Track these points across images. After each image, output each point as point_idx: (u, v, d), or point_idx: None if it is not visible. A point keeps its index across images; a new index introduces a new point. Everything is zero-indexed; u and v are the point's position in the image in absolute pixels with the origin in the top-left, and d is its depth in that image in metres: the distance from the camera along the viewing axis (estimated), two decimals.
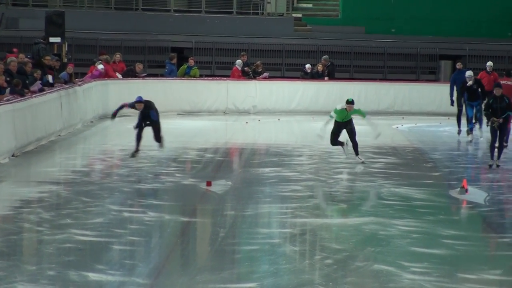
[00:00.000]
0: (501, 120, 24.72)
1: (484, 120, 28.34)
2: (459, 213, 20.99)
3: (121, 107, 24.42)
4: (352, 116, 22.65)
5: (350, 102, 21.96)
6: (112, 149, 30.32)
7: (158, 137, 24.22)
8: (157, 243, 16.92)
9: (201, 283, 13.74)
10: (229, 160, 28.37)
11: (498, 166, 25.10)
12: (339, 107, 22.03)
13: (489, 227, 19.79)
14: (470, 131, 31.84)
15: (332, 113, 22.62)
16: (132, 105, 23.85)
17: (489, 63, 33.91)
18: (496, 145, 25.50)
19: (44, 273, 13.90)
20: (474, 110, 32.00)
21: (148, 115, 23.74)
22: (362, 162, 22.79)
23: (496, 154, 25.54)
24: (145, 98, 24.44)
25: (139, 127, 23.95)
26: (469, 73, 31.32)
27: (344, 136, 22.96)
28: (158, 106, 36.32)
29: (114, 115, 24.77)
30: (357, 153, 22.82)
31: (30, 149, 26.55)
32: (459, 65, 33.84)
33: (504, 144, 25.61)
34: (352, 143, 22.81)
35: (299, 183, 22.99)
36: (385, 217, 18.80)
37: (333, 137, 22.71)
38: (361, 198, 21.03)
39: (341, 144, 23.07)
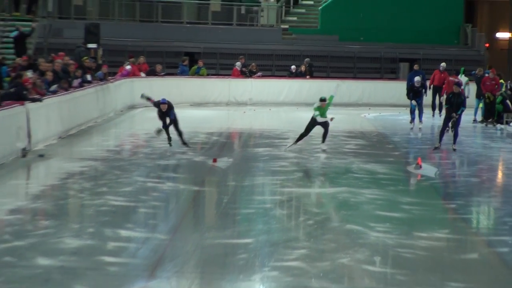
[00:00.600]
0: (457, 116, 24.41)
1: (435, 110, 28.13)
2: (414, 184, 20.85)
3: (149, 99, 23.61)
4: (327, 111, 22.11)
5: (322, 100, 21.98)
6: (138, 133, 30.03)
7: (179, 131, 23.13)
8: (174, 207, 16.98)
9: (209, 238, 13.72)
10: (230, 142, 28.08)
11: (454, 150, 24.76)
12: (315, 105, 21.94)
13: (438, 195, 19.64)
14: (412, 120, 31.54)
15: (316, 112, 22.38)
16: (157, 105, 22.91)
17: (443, 64, 33.48)
18: (452, 132, 25.13)
19: (85, 230, 13.94)
20: (416, 105, 31.60)
21: (168, 114, 22.88)
22: (324, 150, 22.40)
23: (446, 139, 24.97)
24: (163, 98, 23.30)
25: (163, 124, 23.13)
26: (417, 78, 30.88)
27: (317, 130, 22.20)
28: (173, 99, 35.95)
29: (146, 97, 23.70)
30: (323, 140, 22.67)
31: (73, 132, 26.38)
32: (416, 67, 33.37)
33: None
34: (324, 129, 22.47)
35: (286, 160, 22.84)
36: (355, 187, 18.61)
37: (305, 132, 22.43)
38: (336, 172, 20.76)
39: (299, 139, 22.93)
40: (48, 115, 23.63)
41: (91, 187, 18.22)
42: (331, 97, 22.56)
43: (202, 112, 35.72)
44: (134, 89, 34.94)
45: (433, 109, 33.95)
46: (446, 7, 45.92)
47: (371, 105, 38.62)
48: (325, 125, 22.32)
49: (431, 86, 33.72)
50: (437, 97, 34.17)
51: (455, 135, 24.92)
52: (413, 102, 31.12)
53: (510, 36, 45.79)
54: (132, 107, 34.48)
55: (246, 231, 14.76)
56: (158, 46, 41.74)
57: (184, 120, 31.91)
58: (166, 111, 22.49)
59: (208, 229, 14.93)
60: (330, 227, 15.25)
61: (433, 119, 33.24)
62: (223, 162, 22.16)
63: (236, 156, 24.04)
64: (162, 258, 12.46)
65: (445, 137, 24.73)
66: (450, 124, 24.82)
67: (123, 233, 13.95)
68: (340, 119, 32.94)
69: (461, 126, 26.65)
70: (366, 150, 25.19)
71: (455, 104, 24.66)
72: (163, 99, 22.61)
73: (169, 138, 22.97)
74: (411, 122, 31.17)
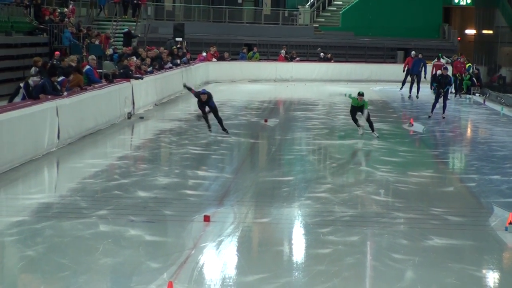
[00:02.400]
0: (444, 91, 23.64)
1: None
2: (408, 137, 20.71)
3: (191, 89, 19.25)
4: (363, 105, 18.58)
5: (360, 95, 18.17)
6: (175, 117, 28.67)
7: (219, 118, 18.44)
8: (236, 154, 17.01)
9: (262, 177, 13.82)
10: (277, 107, 27.43)
11: (443, 117, 23.97)
12: (353, 95, 18.39)
13: (425, 145, 19.68)
14: (409, 92, 31.12)
15: (347, 95, 19.05)
16: (197, 95, 18.39)
17: (413, 52, 32.48)
18: (441, 105, 24.28)
19: (173, 171, 14.03)
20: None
21: (208, 103, 18.29)
22: (377, 137, 18.36)
23: (440, 110, 24.27)
24: (204, 88, 19.89)
25: (203, 112, 18.58)
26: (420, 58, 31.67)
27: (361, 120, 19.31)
28: (236, 77, 37.34)
29: (188, 87, 19.51)
30: (372, 130, 18.55)
31: (164, 101, 25.59)
32: (413, 54, 33.11)
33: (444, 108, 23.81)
34: (368, 122, 18.62)
35: (317, 120, 22.71)
36: (366, 140, 18.56)
37: (351, 115, 18.78)
38: (352, 129, 20.36)
39: (357, 125, 18.88)
40: (146, 88, 23.69)
41: (177, 140, 18.30)
42: (366, 104, 18.45)
43: (257, 86, 35.26)
44: (209, 70, 35.70)
45: (403, 84, 33.25)
46: (430, 11, 45.50)
47: (378, 81, 38.13)
48: (361, 112, 18.65)
49: (405, 69, 32.92)
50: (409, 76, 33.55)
51: (444, 107, 24.10)
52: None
53: (475, 32, 45.27)
54: (207, 82, 34.02)
55: (288, 171, 14.77)
56: (226, 39, 41.38)
57: (244, 92, 32.80)
58: (206, 101, 18.22)
59: (261, 170, 14.98)
60: (348, 168, 15.28)
61: (400, 91, 33.13)
62: (272, 122, 22.05)
63: (281, 117, 23.90)
64: (228, 191, 12.46)
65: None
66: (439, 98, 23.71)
67: (200, 173, 13.98)
68: (355, 91, 33.11)
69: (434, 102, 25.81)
70: (373, 113, 23.87)
71: (443, 83, 23.75)
72: (204, 90, 18.66)
73: (209, 126, 18.57)
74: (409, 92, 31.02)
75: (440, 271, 8.31)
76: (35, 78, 15.73)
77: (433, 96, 24.83)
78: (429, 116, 23.68)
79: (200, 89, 19.05)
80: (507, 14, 39.75)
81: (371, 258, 8.79)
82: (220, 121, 18.02)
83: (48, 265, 8.17)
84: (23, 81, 15.95)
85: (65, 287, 7.57)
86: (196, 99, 18.35)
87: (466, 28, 48.64)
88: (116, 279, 7.96)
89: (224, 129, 18.06)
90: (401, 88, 31.99)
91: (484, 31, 42.17)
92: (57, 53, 23.05)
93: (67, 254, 8.54)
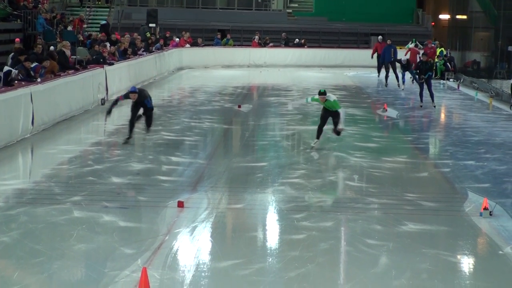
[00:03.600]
0: (425, 77, 23.26)
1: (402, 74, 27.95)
2: (382, 123, 20.63)
3: (116, 101, 15.33)
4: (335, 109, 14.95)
5: (322, 93, 14.57)
6: (184, 87, 29.23)
7: (149, 123, 15.43)
8: (210, 140, 17.07)
9: (235, 163, 13.91)
10: (251, 93, 27.58)
11: (434, 106, 23.61)
12: (316, 97, 14.93)
13: (399, 130, 19.76)
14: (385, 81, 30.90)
15: (309, 99, 15.69)
16: (126, 96, 15.01)
17: (380, 37, 32.53)
18: (428, 93, 23.57)
19: (146, 157, 14.12)
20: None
21: (142, 103, 15.07)
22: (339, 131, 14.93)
23: (430, 99, 23.20)
24: (133, 86, 16.90)
25: (133, 115, 15.12)
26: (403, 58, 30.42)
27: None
28: (210, 63, 37.29)
29: (109, 112, 15.51)
30: (338, 133, 15.09)
31: (138, 86, 25.51)
32: (380, 39, 33.15)
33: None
34: (336, 130, 15.09)
35: (296, 107, 21.91)
36: None
37: (321, 122, 15.16)
38: (351, 120, 19.62)
39: (318, 136, 15.21)
40: (120, 74, 23.57)
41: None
42: (337, 103, 14.81)
43: (230, 72, 35.30)
44: (182, 56, 35.82)
45: (378, 71, 33.32)
46: None
47: (351, 67, 38.36)
48: (335, 120, 14.94)
49: (375, 55, 33.06)
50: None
51: (432, 95, 23.81)
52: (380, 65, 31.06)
53: (449, 17, 45.52)
54: (180, 68, 34.12)
55: (262, 157, 14.87)
56: (199, 25, 41.65)
57: (217, 77, 32.79)
58: (138, 101, 14.98)
59: (235, 156, 15.06)
60: (322, 154, 15.29)
61: (378, 78, 32.79)
62: (245, 107, 22.09)
63: (255, 103, 23.99)
64: (201, 177, 12.53)
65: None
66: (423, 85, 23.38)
67: (173, 159, 14.06)
68: (329, 77, 34.09)
69: (409, 89, 27.08)
70: (347, 98, 24.55)
71: (424, 70, 23.26)
72: (133, 87, 15.44)
73: (130, 136, 15.01)
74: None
75: (414, 256, 8.40)
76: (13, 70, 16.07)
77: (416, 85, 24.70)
78: (421, 106, 23.71)
79: (129, 88, 15.75)
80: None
81: (345, 243, 8.86)
82: (149, 124, 15.30)
83: (22, 251, 8.28)
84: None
85: (39, 273, 7.66)
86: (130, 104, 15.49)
87: (440, 13, 49.08)
88: (91, 265, 8.07)
89: (148, 129, 15.39)
90: (378, 76, 32.16)
91: (458, 16, 42.33)
92: (17, 40, 23.31)
93: (41, 240, 8.62)
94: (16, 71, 15.91)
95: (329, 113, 14.71)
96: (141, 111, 14.97)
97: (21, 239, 8.69)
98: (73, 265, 8.02)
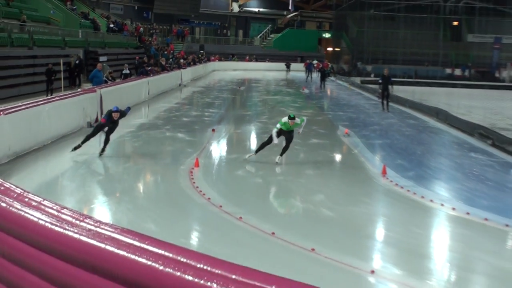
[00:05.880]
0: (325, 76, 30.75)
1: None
2: (301, 96, 27.01)
3: (100, 127, 13.27)
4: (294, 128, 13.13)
5: (292, 118, 12.44)
6: (215, 78, 39.20)
7: (108, 138, 13.20)
8: (226, 102, 22.13)
9: (237, 112, 18.60)
10: (245, 81, 37.90)
11: (324, 88, 31.62)
12: (284, 120, 12.61)
13: (309, 98, 25.74)
14: (307, 78, 42.89)
15: (278, 125, 12.60)
16: (108, 116, 12.96)
17: (308, 60, 47.05)
18: (323, 83, 32.70)
19: (198, 109, 18.54)
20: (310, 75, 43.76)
21: (116, 122, 13.04)
22: (276, 162, 12.52)
23: (323, 85, 32.38)
24: (115, 106, 13.60)
25: (98, 130, 13.20)
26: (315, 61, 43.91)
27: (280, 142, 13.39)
28: (227, 68, 53.97)
29: (91, 136, 13.14)
30: (281, 154, 12.81)
31: (195, 79, 35.03)
32: (307, 60, 47.62)
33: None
34: (285, 146, 12.87)
35: (262, 87, 31.21)
36: (280, 96, 24.79)
37: (276, 136, 12.66)
38: (274, 92, 27.95)
39: (256, 151, 13.10)
40: (187, 73, 31.39)
41: (204, 91, 23.98)
42: (302, 119, 13.12)
43: (235, 72, 47.05)
44: (215, 65, 50.49)
45: (306, 74, 44.52)
46: (312, 40, 67.43)
47: (290, 71, 54.28)
48: (290, 138, 12.99)
49: (305, 67, 46.26)
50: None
51: (323, 84, 31.94)
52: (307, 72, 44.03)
53: (332, 49, 63.85)
54: (213, 70, 46.93)
55: (249, 110, 19.50)
56: (222, 51, 62.28)
57: (230, 75, 42.80)
58: (115, 120, 13.11)
59: (237, 109, 20.03)
60: (275, 109, 20.43)
61: (305, 78, 42.23)
62: (242, 88, 29.03)
63: (246, 86, 29.96)
64: (222, 118, 17.35)
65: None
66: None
67: (211, 109, 18.51)
68: (278, 75, 49.39)
69: (316, 82, 37.54)
70: (287, 84, 36.50)
71: (323, 72, 32.45)
72: (115, 107, 13.27)
73: (104, 149, 13.24)
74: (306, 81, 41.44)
75: (301, 164, 11.87)
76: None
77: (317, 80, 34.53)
78: (321, 87, 32.03)
79: (111, 108, 13.58)
80: (346, 41, 60.27)
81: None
82: (107, 141, 13.33)
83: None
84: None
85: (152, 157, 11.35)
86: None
87: (328, 47, 69.17)
88: (174, 155, 12.09)
89: (103, 150, 13.30)
90: (306, 79, 44.15)
91: (336, 48, 63.23)
92: (137, 57, 30.53)
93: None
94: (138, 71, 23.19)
95: (286, 134, 12.85)
96: (105, 129, 13.28)
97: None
98: (165, 157, 12.11)
